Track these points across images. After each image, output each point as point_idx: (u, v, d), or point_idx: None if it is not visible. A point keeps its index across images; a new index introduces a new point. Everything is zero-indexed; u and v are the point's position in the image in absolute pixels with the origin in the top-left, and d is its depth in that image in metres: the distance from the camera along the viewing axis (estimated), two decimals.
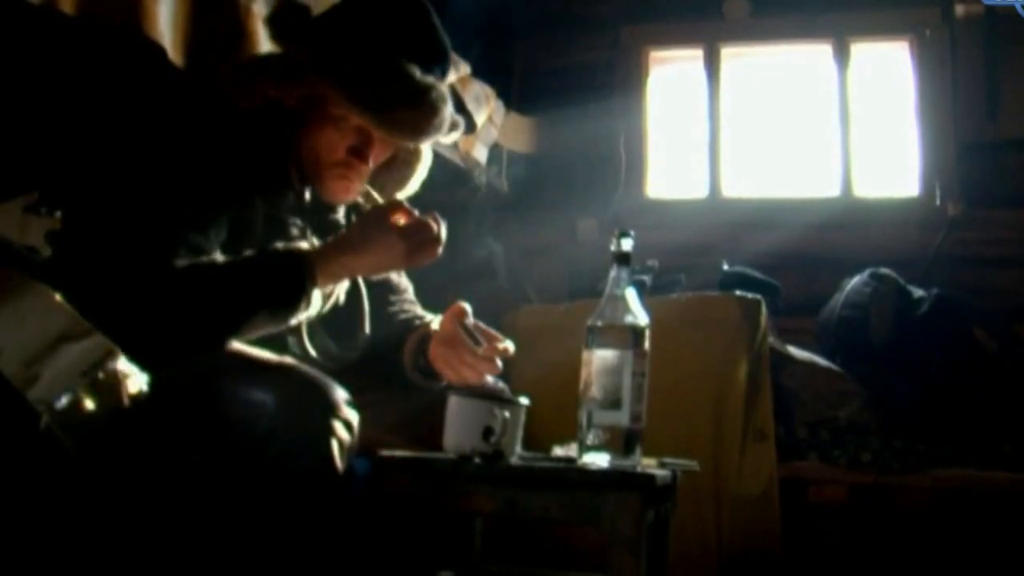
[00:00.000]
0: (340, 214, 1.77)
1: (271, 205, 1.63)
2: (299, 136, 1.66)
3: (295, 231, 1.66)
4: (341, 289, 1.69)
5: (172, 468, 1.35)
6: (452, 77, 1.72)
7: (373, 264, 1.59)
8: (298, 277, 1.49)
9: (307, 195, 1.69)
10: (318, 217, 1.71)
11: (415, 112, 1.61)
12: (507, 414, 1.45)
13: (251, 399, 1.36)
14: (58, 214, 1.76)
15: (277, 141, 1.65)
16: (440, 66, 1.68)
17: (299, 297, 1.49)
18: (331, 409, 1.38)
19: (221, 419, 1.36)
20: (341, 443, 1.38)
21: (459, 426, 1.48)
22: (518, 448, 1.51)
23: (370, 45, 1.61)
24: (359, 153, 1.66)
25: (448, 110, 1.65)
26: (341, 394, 1.41)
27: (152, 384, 1.35)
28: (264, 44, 1.84)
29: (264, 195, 1.61)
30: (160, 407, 1.36)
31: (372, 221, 1.59)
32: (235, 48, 1.86)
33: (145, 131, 1.56)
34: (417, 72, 1.61)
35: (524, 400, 1.53)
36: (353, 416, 1.41)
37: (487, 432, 1.44)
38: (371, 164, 1.69)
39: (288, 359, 1.52)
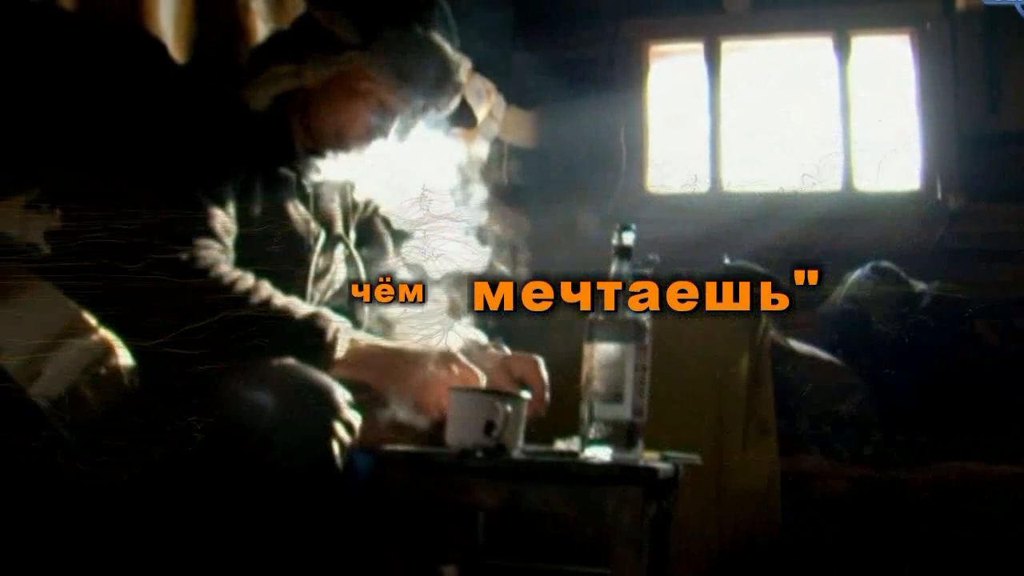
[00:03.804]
0: (337, 203, 1.77)
1: (271, 193, 1.63)
2: (313, 113, 1.66)
3: (296, 217, 1.67)
4: (337, 277, 1.70)
5: (171, 466, 1.35)
6: (461, 90, 1.73)
7: (401, 386, 1.52)
8: (319, 350, 1.46)
9: (309, 181, 1.69)
10: (319, 204, 1.72)
11: (447, 90, 1.66)
12: (509, 408, 1.45)
13: (252, 399, 1.36)
14: (59, 211, 1.76)
15: (279, 128, 1.65)
16: (453, 35, 1.71)
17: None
18: (332, 410, 1.38)
19: (222, 419, 1.36)
20: (341, 444, 1.38)
21: (461, 421, 1.47)
22: (520, 442, 1.51)
23: (405, 20, 1.63)
24: (383, 131, 1.67)
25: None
26: (342, 395, 1.41)
27: (154, 383, 1.35)
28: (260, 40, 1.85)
29: (265, 185, 1.62)
30: (162, 405, 1.36)
31: (440, 362, 1.54)
32: (232, 46, 1.86)
33: (145, 124, 1.56)
34: (449, 48, 1.64)
35: (526, 394, 1.53)
36: (355, 417, 1.40)
37: (489, 426, 1.44)
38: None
39: (289, 359, 1.51)
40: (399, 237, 1.81)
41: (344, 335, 1.48)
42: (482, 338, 1.73)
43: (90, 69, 1.74)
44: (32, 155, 1.75)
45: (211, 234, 1.47)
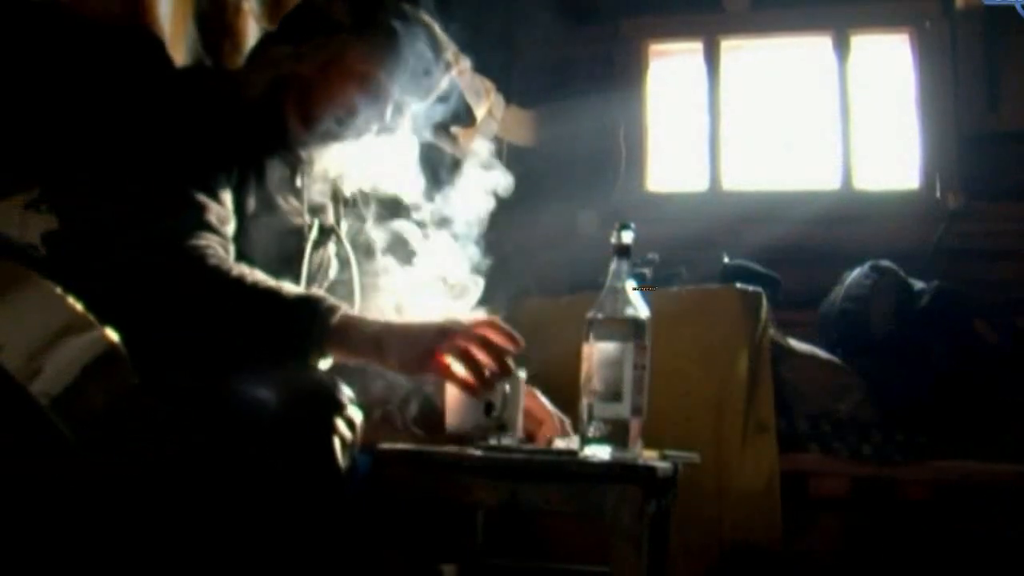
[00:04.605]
0: (328, 196, 1.77)
1: (264, 187, 1.63)
2: (310, 100, 1.66)
3: (288, 209, 1.67)
4: (331, 274, 1.70)
5: (172, 464, 1.35)
6: (452, 70, 1.73)
7: (401, 351, 1.44)
8: (311, 328, 1.43)
9: (301, 173, 1.69)
10: (311, 196, 1.72)
11: (438, 67, 1.66)
12: (507, 387, 1.46)
13: (255, 396, 1.36)
14: (56, 211, 1.76)
15: (275, 119, 1.65)
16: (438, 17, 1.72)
17: (305, 346, 1.44)
18: (335, 408, 1.38)
19: (224, 415, 1.36)
20: (343, 441, 1.37)
21: (460, 404, 1.48)
22: (520, 420, 1.51)
23: (395, 1, 1.65)
24: (379, 116, 1.66)
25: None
26: (345, 392, 1.41)
27: (156, 379, 1.36)
28: (251, 43, 1.85)
29: (258, 178, 1.62)
30: (162, 403, 1.36)
31: (440, 329, 1.45)
32: (222, 46, 1.87)
33: (140, 122, 1.57)
34: (437, 27, 1.66)
35: (522, 373, 1.53)
36: (356, 415, 1.40)
37: (488, 407, 1.45)
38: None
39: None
40: (392, 232, 1.81)
41: (338, 310, 1.45)
42: None
43: (88, 68, 1.74)
44: (32, 155, 1.75)
45: (207, 226, 1.48)
